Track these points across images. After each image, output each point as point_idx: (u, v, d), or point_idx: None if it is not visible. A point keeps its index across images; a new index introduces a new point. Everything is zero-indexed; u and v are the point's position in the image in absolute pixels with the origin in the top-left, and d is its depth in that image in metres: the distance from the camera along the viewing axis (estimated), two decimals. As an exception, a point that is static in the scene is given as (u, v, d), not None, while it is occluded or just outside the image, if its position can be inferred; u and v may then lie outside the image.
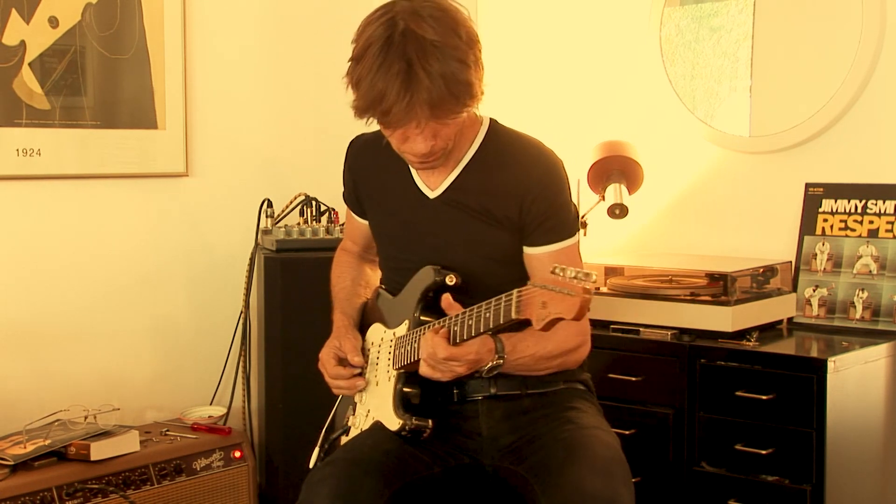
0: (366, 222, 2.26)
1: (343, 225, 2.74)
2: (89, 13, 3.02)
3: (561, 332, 1.80)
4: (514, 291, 1.75)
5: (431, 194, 2.07)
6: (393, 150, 2.00)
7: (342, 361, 2.14)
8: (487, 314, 1.81)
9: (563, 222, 2.05)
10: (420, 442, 2.00)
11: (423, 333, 1.93)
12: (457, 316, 1.89)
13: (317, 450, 2.22)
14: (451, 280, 2.00)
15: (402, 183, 2.10)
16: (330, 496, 1.86)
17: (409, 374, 2.03)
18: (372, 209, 2.21)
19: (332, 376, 2.14)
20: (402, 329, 2.07)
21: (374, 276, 2.34)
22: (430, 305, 2.03)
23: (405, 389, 2.02)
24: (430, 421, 1.99)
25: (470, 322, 1.85)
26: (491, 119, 2.09)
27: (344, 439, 2.15)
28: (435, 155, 1.96)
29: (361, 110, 1.89)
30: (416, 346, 1.98)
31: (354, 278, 2.32)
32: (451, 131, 1.93)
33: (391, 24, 1.85)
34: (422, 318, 2.03)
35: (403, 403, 2.01)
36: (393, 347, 2.07)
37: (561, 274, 1.65)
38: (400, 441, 1.99)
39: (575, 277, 1.64)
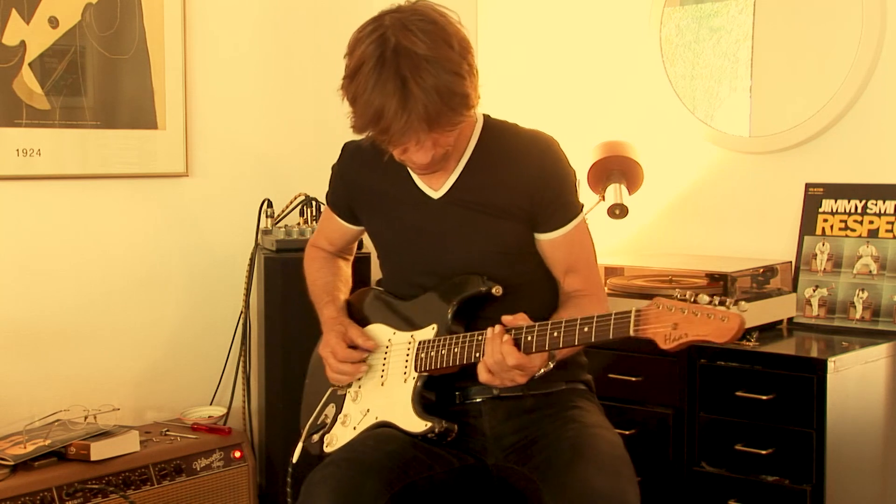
0: (352, 227, 2.26)
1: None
2: (89, 13, 3.01)
3: (593, 312, 1.85)
4: (632, 309, 1.75)
5: (435, 195, 2.07)
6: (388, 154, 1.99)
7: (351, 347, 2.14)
8: (585, 328, 1.81)
9: (572, 202, 2.07)
10: (439, 444, 2.00)
11: (484, 338, 1.91)
12: (529, 327, 1.88)
13: (300, 445, 2.20)
14: (497, 291, 2.01)
15: (403, 186, 2.09)
16: (330, 496, 1.85)
17: (429, 378, 2.03)
18: (370, 216, 2.20)
19: (343, 359, 2.11)
20: (426, 333, 2.06)
21: (349, 271, 2.35)
22: (462, 312, 2.03)
23: (424, 392, 2.02)
24: (455, 424, 2.00)
25: (555, 334, 1.84)
26: (484, 115, 2.09)
27: (325, 436, 2.14)
28: (436, 162, 1.97)
29: (360, 128, 1.89)
30: (456, 350, 1.97)
31: (335, 273, 2.32)
32: (450, 138, 1.93)
33: (382, 40, 1.84)
34: (453, 324, 2.02)
35: (425, 406, 2.01)
36: (414, 350, 2.05)
37: (691, 298, 1.67)
38: (403, 441, 1.98)
39: (711, 302, 1.66)
